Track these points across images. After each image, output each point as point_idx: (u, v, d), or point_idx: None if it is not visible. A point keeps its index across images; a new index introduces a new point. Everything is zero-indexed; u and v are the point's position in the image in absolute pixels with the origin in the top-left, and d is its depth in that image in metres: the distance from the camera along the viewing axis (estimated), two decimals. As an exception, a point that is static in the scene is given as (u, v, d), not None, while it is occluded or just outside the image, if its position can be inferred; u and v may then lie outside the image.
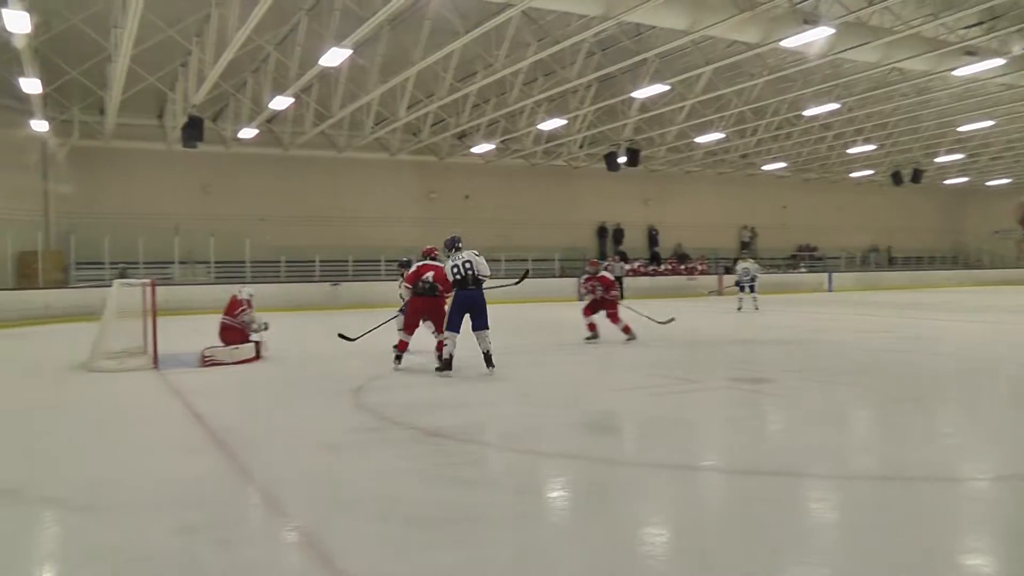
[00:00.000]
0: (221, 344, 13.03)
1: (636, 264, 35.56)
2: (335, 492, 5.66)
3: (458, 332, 11.00)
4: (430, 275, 11.66)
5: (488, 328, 10.96)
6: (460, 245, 11.40)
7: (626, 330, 14.98)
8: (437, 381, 10.52)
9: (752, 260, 25.50)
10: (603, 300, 15.11)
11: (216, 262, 28.36)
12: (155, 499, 5.55)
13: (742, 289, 24.35)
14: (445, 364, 10.97)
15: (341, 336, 13.81)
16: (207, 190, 29.89)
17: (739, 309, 23.84)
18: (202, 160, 28.41)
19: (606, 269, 16.23)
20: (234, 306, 13.40)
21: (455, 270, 11.06)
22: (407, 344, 11.88)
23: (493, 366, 10.80)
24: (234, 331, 13.30)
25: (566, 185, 36.47)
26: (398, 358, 11.78)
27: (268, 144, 29.94)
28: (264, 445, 7.13)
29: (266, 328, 13.45)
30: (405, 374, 11.29)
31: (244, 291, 13.65)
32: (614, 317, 15.05)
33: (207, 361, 12.44)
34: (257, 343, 13.23)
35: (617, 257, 34.23)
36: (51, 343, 17.32)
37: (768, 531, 4.76)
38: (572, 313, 21.51)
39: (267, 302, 20.21)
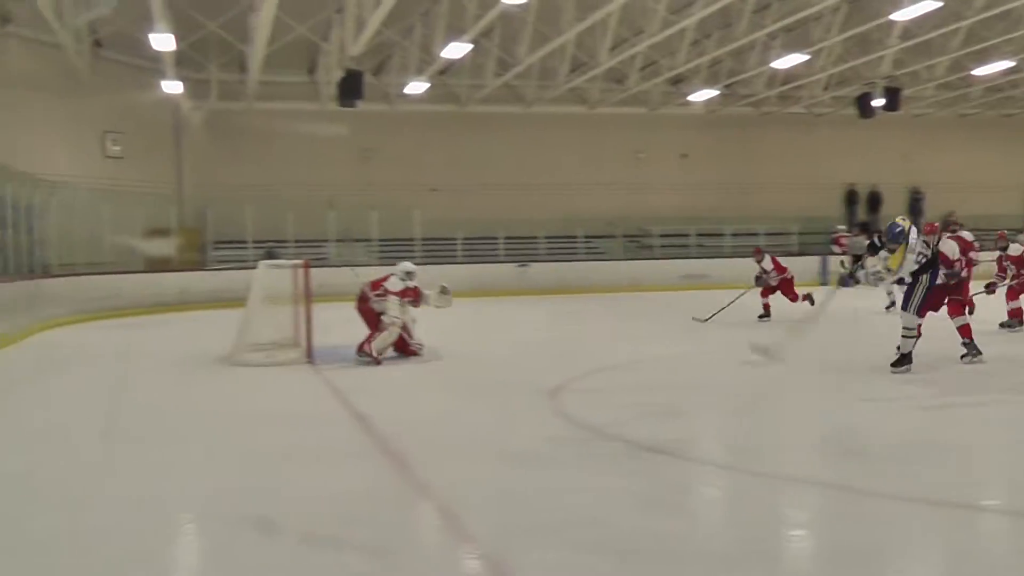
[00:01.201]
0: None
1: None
2: (526, 515, 5.62)
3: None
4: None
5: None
6: None
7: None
8: (649, 384, 10.38)
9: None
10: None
11: (379, 240, 29.01)
12: (319, 515, 5.66)
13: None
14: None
15: (695, 319, 15.14)
16: (367, 156, 30.67)
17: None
18: (362, 121, 29.16)
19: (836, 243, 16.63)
20: (376, 284, 13.38)
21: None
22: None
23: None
24: (369, 310, 13.31)
25: (806, 138, 35.47)
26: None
27: (440, 100, 30.42)
28: (441, 455, 7.20)
29: (403, 331, 13.27)
30: (617, 373, 11.19)
31: (400, 272, 13.54)
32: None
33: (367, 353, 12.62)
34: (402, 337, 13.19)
35: (857, 229, 32.91)
36: (188, 333, 18.23)
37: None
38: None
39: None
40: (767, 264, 18.73)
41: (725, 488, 6.41)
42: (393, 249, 28.67)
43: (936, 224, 12.01)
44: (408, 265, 13.56)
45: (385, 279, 13.23)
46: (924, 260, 11.02)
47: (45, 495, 6.36)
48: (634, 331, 15.36)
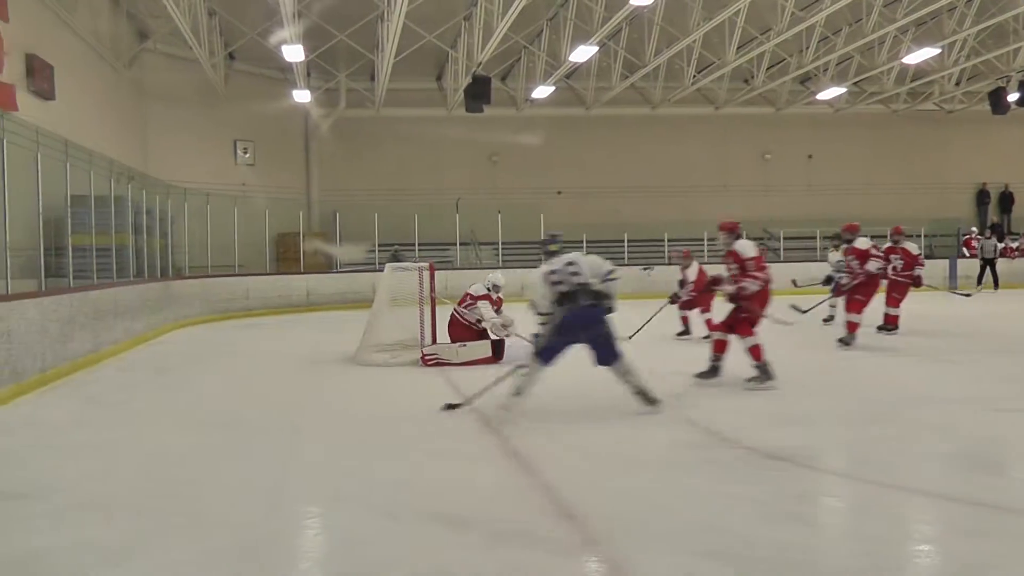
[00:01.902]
0: (449, 341, 13.23)
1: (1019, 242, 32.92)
2: (650, 520, 5.53)
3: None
4: None
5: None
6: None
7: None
8: (778, 391, 10.14)
9: None
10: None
11: (504, 243, 29.12)
12: (448, 511, 5.70)
13: None
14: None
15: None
16: (494, 159, 30.85)
17: None
18: (488, 125, 29.34)
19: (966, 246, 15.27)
20: (463, 299, 13.65)
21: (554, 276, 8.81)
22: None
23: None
24: (460, 327, 13.53)
25: (936, 136, 34.67)
26: None
27: (567, 104, 30.50)
28: (562, 458, 7.14)
29: (506, 329, 13.20)
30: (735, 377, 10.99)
31: (488, 281, 13.73)
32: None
33: (428, 361, 12.59)
34: (497, 342, 13.02)
35: (989, 232, 31.84)
36: (313, 333, 18.46)
37: None
38: (940, 307, 20.39)
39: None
40: (692, 273, 15.71)
41: (849, 499, 6.21)
42: (518, 251, 28.76)
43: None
44: (498, 277, 13.88)
45: (473, 296, 13.67)
46: None
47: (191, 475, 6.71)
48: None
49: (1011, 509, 5.71)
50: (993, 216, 34.62)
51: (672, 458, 7.11)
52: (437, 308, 13.29)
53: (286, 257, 27.15)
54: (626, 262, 29.37)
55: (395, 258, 23.83)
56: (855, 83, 30.41)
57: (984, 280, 27.87)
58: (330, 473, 6.89)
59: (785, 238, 31.23)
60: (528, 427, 8.21)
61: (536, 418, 8.62)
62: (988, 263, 28.17)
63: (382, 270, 14.91)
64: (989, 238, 29.94)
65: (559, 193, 30.77)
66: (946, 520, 5.63)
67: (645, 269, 26.39)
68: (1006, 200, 34.89)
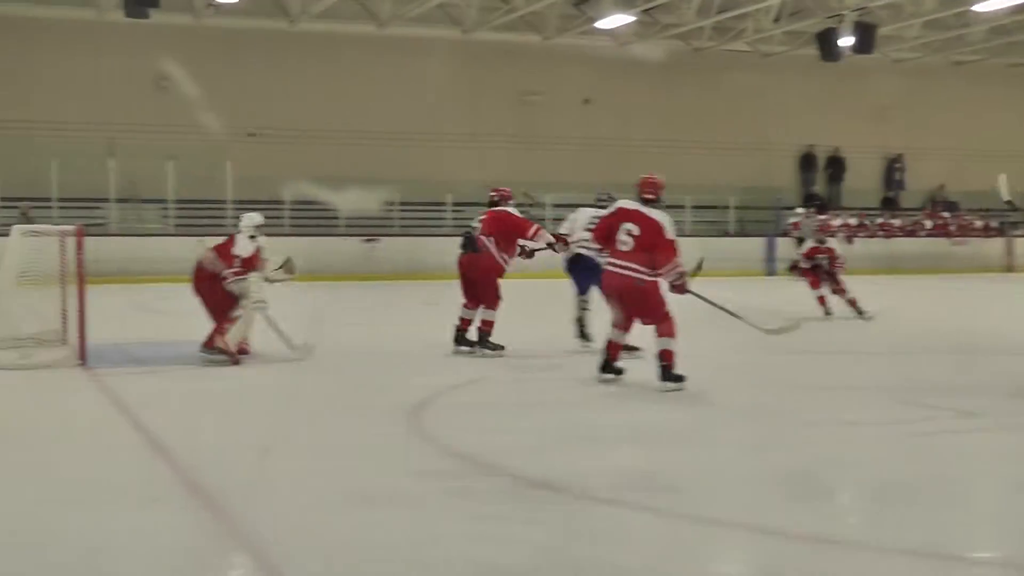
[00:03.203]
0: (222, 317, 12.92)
1: (842, 219, 34.55)
2: (381, 568, 5.61)
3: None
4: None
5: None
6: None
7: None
8: (541, 396, 10.42)
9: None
10: None
11: (179, 201, 28.60)
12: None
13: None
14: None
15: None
16: (163, 86, 30.27)
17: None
18: (156, 38, 28.88)
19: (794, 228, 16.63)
20: (223, 257, 13.07)
21: None
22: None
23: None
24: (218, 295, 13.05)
25: (751, 85, 36.09)
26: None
27: (264, 13, 30.29)
28: (268, 494, 7.09)
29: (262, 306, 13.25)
30: (494, 384, 11.21)
31: (246, 225, 13.32)
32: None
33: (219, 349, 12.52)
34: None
35: (811, 208, 33.29)
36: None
37: None
38: (761, 295, 21.36)
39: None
40: None
41: (644, 538, 6.36)
42: (196, 213, 28.39)
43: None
44: (256, 217, 13.26)
45: (231, 243, 12.97)
46: None
47: None
48: (517, 330, 15.41)
49: (849, 542, 6.07)
50: (820, 186, 36.28)
51: (411, 490, 7.13)
52: (87, 289, 12.94)
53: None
54: (342, 232, 29.42)
55: (25, 218, 23.10)
56: (645, 10, 31.26)
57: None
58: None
59: (554, 205, 31.89)
60: (215, 456, 8.16)
61: (225, 442, 8.64)
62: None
63: (5, 235, 14.46)
64: (811, 215, 31.42)
65: (252, 135, 30.47)
66: (775, 562, 5.88)
67: (367, 241, 26.55)
68: (836, 166, 36.64)
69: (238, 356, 12.52)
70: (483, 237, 13.46)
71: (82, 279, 12.75)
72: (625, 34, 33.20)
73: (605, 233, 11.24)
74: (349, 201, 23.89)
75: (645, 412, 9.93)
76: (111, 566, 5.65)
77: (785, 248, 30.46)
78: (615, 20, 30.99)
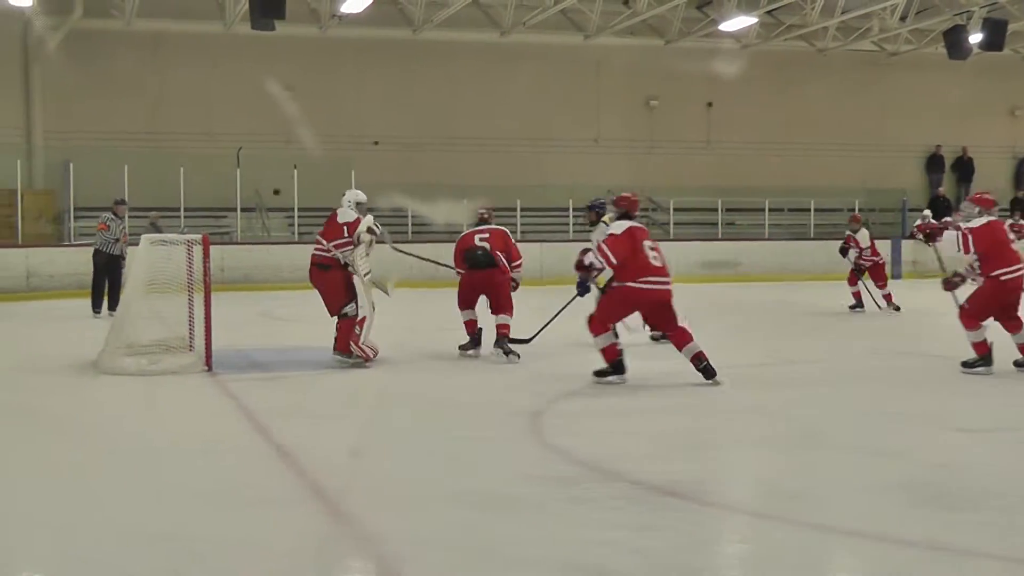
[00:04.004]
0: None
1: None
2: (497, 571, 5.65)
3: None
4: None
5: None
6: None
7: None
8: (662, 407, 10.35)
9: None
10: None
11: (303, 209, 28.78)
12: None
13: None
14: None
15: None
16: (289, 96, 30.53)
17: None
18: (281, 49, 29.21)
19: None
20: (332, 226, 13.20)
21: None
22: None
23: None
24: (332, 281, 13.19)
25: (876, 84, 35.68)
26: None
27: (388, 22, 30.42)
28: (390, 499, 7.14)
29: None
30: (620, 392, 11.18)
31: (348, 200, 13.49)
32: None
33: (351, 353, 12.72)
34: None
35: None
36: (35, 330, 18.12)
37: None
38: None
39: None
40: (864, 239, 20.44)
41: (763, 545, 6.31)
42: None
43: None
44: (359, 193, 13.59)
45: (334, 217, 13.18)
46: None
47: None
48: (638, 335, 15.39)
49: (968, 552, 5.94)
50: (947, 187, 35.68)
51: (530, 496, 7.15)
52: (213, 296, 13.08)
53: (-1, 225, 26.59)
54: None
55: (154, 228, 23.40)
56: (769, 12, 31.03)
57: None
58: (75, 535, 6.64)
59: (676, 209, 31.75)
60: (340, 461, 8.25)
61: (349, 447, 8.73)
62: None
63: (136, 244, 14.63)
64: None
65: (375, 144, 30.68)
66: (896, 571, 5.79)
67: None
68: (964, 167, 35.98)
69: (370, 356, 12.68)
70: (497, 252, 13.91)
71: (208, 287, 12.90)
72: (748, 36, 32.96)
73: (629, 252, 11.47)
74: (458, 212, 23.98)
75: (762, 420, 9.87)
76: (238, 564, 5.79)
77: (913, 251, 30.10)
78: (738, 22, 30.74)
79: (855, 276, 20.17)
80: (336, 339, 12.87)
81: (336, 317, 12.91)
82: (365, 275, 12.78)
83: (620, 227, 11.65)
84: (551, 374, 12.21)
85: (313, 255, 13.21)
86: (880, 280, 20.26)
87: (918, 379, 12.49)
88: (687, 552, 5.95)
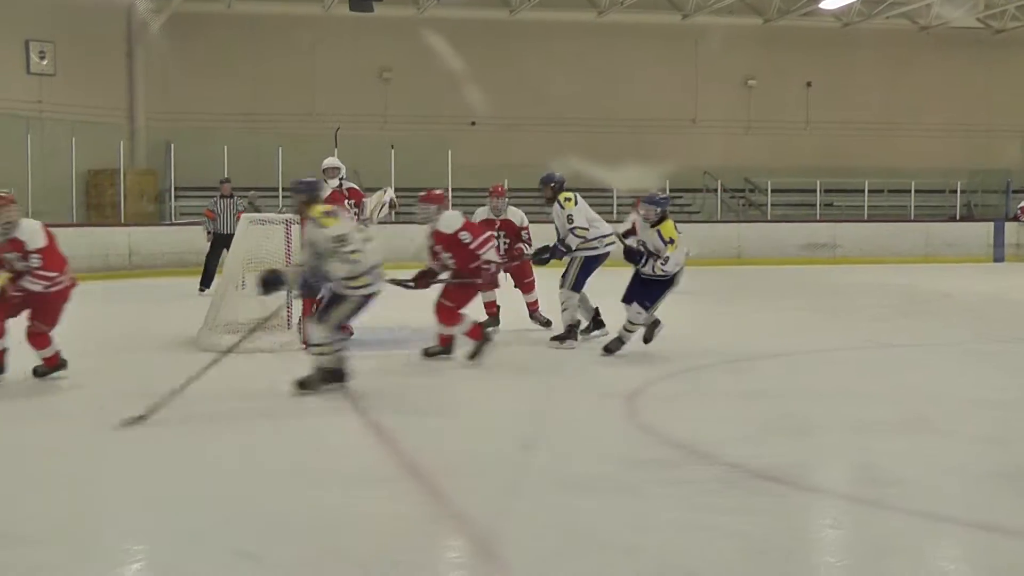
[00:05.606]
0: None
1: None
2: (597, 560, 5.60)
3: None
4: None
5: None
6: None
7: None
8: (760, 390, 10.28)
9: None
10: None
11: (399, 189, 28.59)
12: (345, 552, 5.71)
13: None
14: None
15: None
16: (385, 77, 30.73)
17: None
18: (379, 31, 29.56)
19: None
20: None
21: None
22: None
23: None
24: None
25: (980, 62, 35.26)
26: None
27: (484, 4, 30.65)
28: (482, 479, 7.17)
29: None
30: (715, 373, 11.13)
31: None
32: None
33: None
34: None
35: None
36: (139, 307, 18.47)
37: None
38: (987, 283, 20.85)
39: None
40: None
41: (865, 532, 6.23)
42: (414, 201, 28.53)
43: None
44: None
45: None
46: None
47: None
48: (738, 318, 15.28)
49: None
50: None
51: (626, 478, 7.13)
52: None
53: (100, 203, 26.87)
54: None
55: (252, 207, 23.53)
56: (870, -10, 30.70)
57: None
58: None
59: (774, 191, 31.49)
60: (436, 442, 8.31)
61: (444, 428, 8.83)
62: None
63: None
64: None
65: (473, 124, 30.78)
66: (999, 560, 5.70)
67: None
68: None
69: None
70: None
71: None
72: (849, 14, 32.63)
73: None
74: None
75: (863, 404, 9.71)
76: (337, 540, 5.87)
77: (1017, 233, 29.77)
78: (839, 0, 30.46)
79: None
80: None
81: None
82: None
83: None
84: (643, 356, 12.17)
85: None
86: None
87: (1021, 365, 12.42)
88: (783, 536, 5.95)
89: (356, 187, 14.86)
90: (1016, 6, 32.69)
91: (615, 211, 27.33)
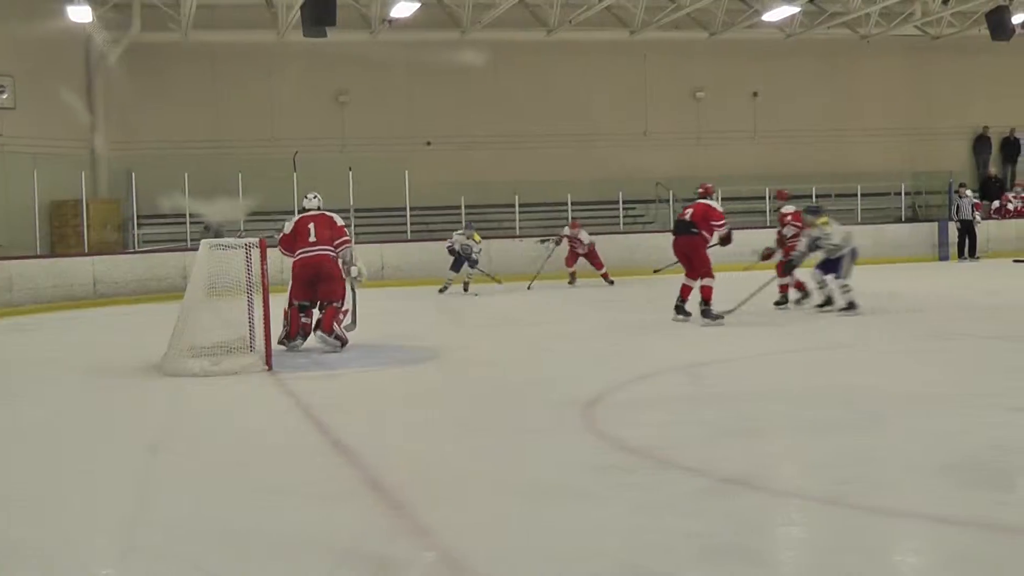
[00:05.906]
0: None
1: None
2: (553, 565, 5.71)
3: None
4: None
5: None
6: None
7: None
8: (714, 394, 10.60)
9: None
10: None
11: (358, 210, 28.88)
12: (303, 561, 5.82)
13: None
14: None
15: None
16: (341, 100, 30.86)
17: None
18: (333, 55, 29.46)
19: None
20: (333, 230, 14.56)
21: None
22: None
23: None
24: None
25: (919, 68, 35.58)
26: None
27: (436, 25, 30.48)
28: (446, 491, 7.31)
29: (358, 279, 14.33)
30: (670, 379, 11.39)
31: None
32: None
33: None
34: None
35: (965, 187, 32.24)
36: (104, 335, 18.45)
37: None
38: (931, 282, 21.18)
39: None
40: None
41: (818, 529, 6.43)
42: (375, 221, 28.82)
43: None
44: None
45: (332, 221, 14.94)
46: None
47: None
48: (690, 325, 15.59)
49: (1009, 529, 6.02)
50: (993, 167, 35.54)
51: (586, 484, 7.25)
52: (272, 297, 13.35)
53: (63, 234, 26.80)
54: (518, 232, 29.62)
55: (212, 232, 23.62)
56: (811, 1, 30.89)
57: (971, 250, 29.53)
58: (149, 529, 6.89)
59: (724, 199, 31.74)
60: (395, 454, 8.48)
61: (403, 441, 8.99)
62: (966, 227, 29.63)
63: (195, 248, 14.94)
64: (964, 195, 30.83)
65: (428, 144, 30.93)
66: (945, 549, 5.89)
67: (543, 242, 26.63)
68: (1010, 148, 35.72)
69: (347, 342, 14.01)
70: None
71: (266, 288, 13.16)
72: (791, 25, 32.92)
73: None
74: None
75: (814, 404, 9.93)
76: (298, 558, 5.87)
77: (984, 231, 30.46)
78: (781, 11, 30.60)
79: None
80: (322, 321, 14.11)
81: (324, 304, 14.19)
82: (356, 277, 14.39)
83: None
84: (605, 364, 12.45)
85: (321, 254, 14.33)
86: None
87: (972, 361, 12.66)
88: (742, 536, 6.04)
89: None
90: (951, 13, 33.06)
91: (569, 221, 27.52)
